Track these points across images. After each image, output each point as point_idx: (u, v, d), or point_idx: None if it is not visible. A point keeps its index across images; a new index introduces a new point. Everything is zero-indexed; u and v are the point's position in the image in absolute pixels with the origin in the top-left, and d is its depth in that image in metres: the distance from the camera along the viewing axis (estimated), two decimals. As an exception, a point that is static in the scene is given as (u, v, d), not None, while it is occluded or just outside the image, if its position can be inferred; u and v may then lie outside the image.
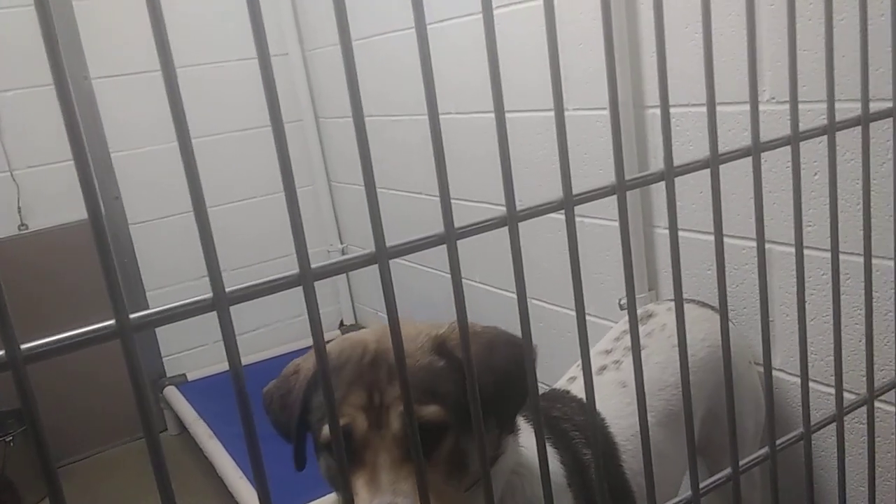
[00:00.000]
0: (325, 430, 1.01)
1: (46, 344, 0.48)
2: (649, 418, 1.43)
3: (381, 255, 0.57)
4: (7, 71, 3.00)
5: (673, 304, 1.75)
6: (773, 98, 1.55)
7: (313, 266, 0.56)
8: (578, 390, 1.47)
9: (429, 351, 1.03)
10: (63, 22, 3.01)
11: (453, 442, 1.00)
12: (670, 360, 1.50)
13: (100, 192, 3.11)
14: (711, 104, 0.72)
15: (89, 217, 0.48)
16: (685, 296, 1.96)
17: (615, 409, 1.41)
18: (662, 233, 1.94)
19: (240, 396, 0.52)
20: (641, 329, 1.63)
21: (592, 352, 1.59)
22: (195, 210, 0.51)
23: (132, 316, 0.49)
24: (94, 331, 0.49)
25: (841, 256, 1.00)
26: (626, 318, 1.77)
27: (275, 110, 0.53)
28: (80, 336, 0.49)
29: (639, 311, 1.78)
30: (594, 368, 1.54)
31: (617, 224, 2.38)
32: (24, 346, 0.47)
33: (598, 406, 1.39)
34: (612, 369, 1.51)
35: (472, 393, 0.66)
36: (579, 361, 1.64)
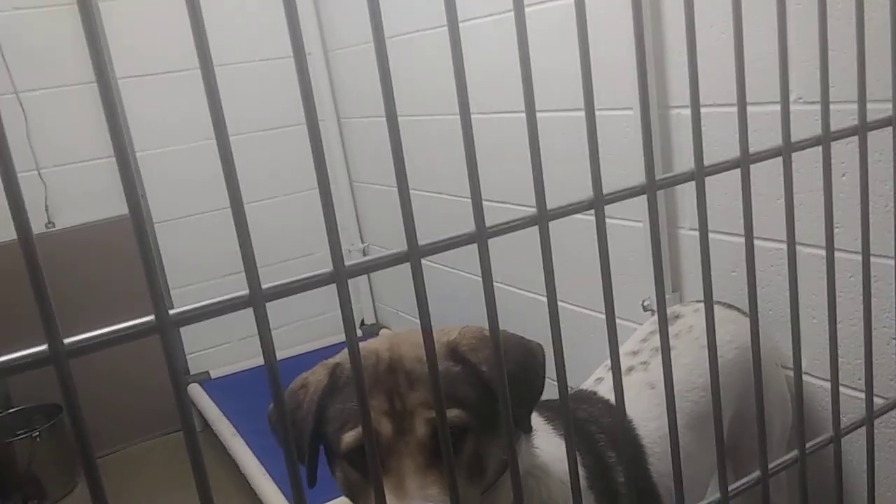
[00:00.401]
0: (346, 437, 1.01)
1: (88, 339, 0.49)
2: (678, 421, 1.42)
3: (414, 254, 0.57)
4: (34, 71, 3.04)
5: (699, 305, 1.75)
6: (801, 98, 1.53)
7: (346, 264, 0.57)
8: (606, 391, 1.47)
9: (443, 356, 1.03)
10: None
11: (474, 445, 1.01)
12: (698, 361, 1.49)
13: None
14: (742, 103, 0.72)
15: (131, 214, 0.49)
16: (701, 296, 1.93)
17: (643, 410, 1.40)
18: (687, 234, 1.93)
19: (275, 389, 0.53)
20: (668, 330, 1.62)
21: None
22: (232, 207, 0.52)
23: (171, 311, 0.50)
24: (134, 326, 0.50)
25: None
26: (652, 319, 1.77)
27: (310, 112, 0.53)
28: (121, 331, 0.49)
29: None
30: (621, 369, 1.54)
31: (639, 225, 2.38)
32: (66, 341, 0.48)
33: (626, 407, 1.39)
34: (640, 370, 1.50)
35: (502, 389, 0.66)
36: (606, 362, 1.64)
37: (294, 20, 0.52)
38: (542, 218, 0.63)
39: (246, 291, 0.53)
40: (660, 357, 1.53)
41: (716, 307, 1.65)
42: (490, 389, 1.02)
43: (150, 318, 0.50)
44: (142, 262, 0.48)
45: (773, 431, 1.59)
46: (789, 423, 1.66)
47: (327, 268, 0.56)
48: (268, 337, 0.53)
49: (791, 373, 1.72)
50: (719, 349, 1.50)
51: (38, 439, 2.92)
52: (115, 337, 0.49)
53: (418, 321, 0.62)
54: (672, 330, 1.59)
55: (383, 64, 0.56)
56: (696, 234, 2.15)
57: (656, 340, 1.59)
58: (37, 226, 3.10)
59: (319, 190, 0.55)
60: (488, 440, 1.02)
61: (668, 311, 1.68)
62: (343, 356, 1.08)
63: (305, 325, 3.60)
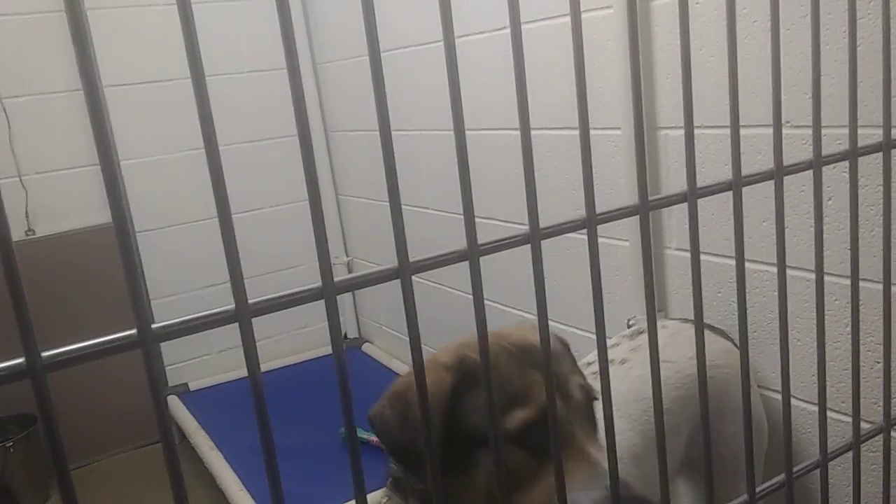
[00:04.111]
0: (517, 415, 0.95)
1: (67, 352, 0.47)
2: (625, 425, 1.43)
3: (405, 271, 0.57)
4: (18, 77, 3.01)
5: (666, 321, 1.76)
6: (788, 122, 1.54)
7: (335, 280, 0.55)
8: None
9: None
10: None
11: None
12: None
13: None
14: (735, 126, 0.72)
15: (115, 227, 0.47)
16: (686, 316, 1.94)
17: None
18: (672, 253, 1.93)
19: (259, 406, 0.52)
20: (630, 343, 1.64)
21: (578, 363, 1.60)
22: (220, 221, 0.50)
23: (154, 326, 0.49)
24: (115, 340, 0.48)
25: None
26: (619, 333, 1.78)
27: (303, 127, 0.52)
28: (101, 345, 0.48)
29: (632, 328, 1.77)
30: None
31: (625, 244, 2.36)
32: (45, 354, 0.46)
33: None
34: (594, 380, 1.50)
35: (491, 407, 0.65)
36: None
37: (289, 36, 0.51)
38: (535, 236, 0.62)
39: (232, 306, 0.52)
40: (619, 369, 1.55)
41: (687, 325, 1.66)
42: None
43: (132, 332, 0.48)
44: (125, 275, 0.47)
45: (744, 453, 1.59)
46: (764, 444, 1.66)
47: (311, 281, 0.55)
48: (253, 352, 0.52)
49: (765, 391, 1.73)
50: (678, 364, 1.53)
51: (12, 450, 2.86)
52: (94, 351, 0.48)
53: (402, 335, 0.61)
54: (633, 343, 1.62)
55: (378, 79, 0.55)
56: (682, 253, 2.14)
57: (615, 353, 1.60)
58: (16, 233, 3.06)
59: (310, 205, 0.54)
60: None
61: (635, 327, 1.68)
62: (458, 351, 1.04)
63: (286, 339, 3.57)
